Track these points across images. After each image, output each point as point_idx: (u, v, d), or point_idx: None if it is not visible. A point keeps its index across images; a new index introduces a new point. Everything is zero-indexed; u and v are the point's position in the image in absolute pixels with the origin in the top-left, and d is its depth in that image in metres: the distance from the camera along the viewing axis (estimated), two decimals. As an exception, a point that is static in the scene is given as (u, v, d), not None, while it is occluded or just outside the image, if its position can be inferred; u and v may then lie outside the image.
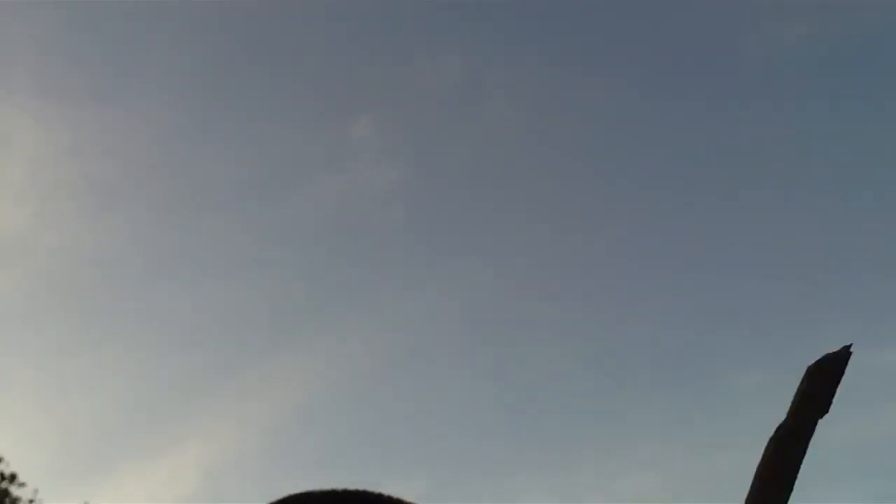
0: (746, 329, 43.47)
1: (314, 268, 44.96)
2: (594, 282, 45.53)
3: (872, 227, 43.43)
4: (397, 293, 42.98)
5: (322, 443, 45.22)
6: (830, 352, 1.07)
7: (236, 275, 43.27)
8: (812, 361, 1.07)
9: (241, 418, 41.83)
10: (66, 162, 40.65)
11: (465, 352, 45.90)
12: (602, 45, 42.56)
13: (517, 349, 45.57)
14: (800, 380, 1.06)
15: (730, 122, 43.29)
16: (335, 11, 40.51)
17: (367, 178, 41.78)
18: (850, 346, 1.04)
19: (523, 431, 46.27)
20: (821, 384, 1.06)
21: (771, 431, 1.07)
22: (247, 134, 43.54)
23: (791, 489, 1.05)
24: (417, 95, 40.43)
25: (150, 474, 40.12)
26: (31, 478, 22.31)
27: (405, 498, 0.75)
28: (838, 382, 1.07)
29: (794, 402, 1.07)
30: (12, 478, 22.08)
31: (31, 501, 21.75)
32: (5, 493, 22.23)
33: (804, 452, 1.06)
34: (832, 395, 1.07)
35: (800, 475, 1.05)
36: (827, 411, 1.07)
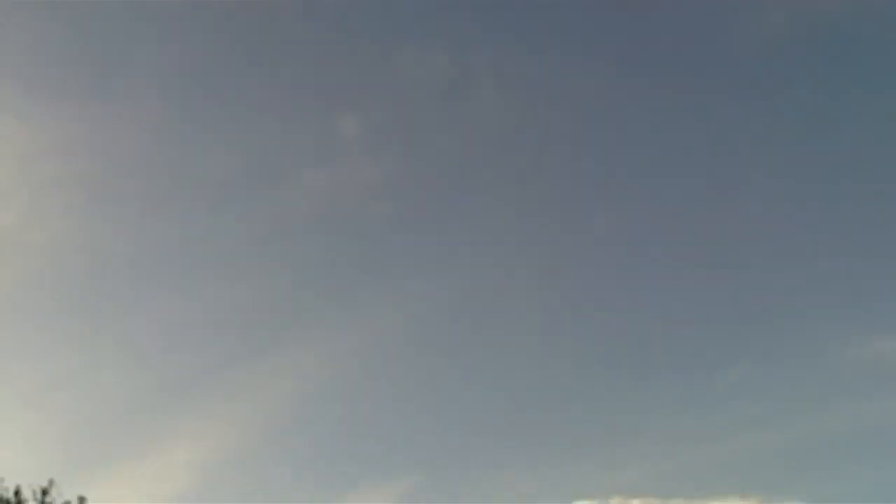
0: (735, 321, 43.54)
1: (302, 265, 44.77)
2: (584, 275, 45.53)
3: (860, 218, 43.49)
4: (386, 288, 42.92)
5: (312, 439, 45.14)
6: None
7: (225, 272, 43.07)
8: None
9: (231, 417, 41.73)
10: (53, 159, 40.26)
11: (456, 346, 45.82)
12: (587, 37, 42.36)
13: (507, 344, 45.46)
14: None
15: (720, 111, 43.08)
16: (319, 7, 40.33)
17: (354, 174, 41.55)
18: None
19: (513, 426, 46.25)
20: None
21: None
22: (234, 131, 43.30)
23: None
24: (404, 90, 40.24)
25: (142, 473, 40.00)
26: (21, 476, 22.65)
27: None
28: None
29: None
30: None
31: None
32: None
33: None
34: None
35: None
36: None
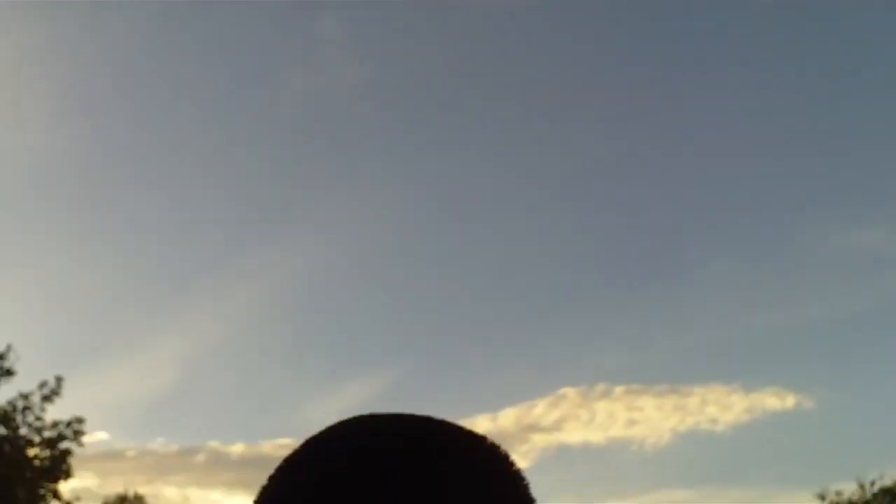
0: (713, 219, 44.02)
1: (284, 164, 44.75)
2: (563, 177, 45.66)
3: (833, 111, 43.52)
4: (368, 186, 43.00)
5: (300, 331, 45.85)
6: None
7: (208, 172, 43.00)
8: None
9: (218, 311, 42.20)
10: (32, 68, 39.76)
11: (439, 242, 46.24)
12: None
13: (490, 243, 45.93)
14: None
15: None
16: None
17: (333, 75, 41.27)
18: None
19: (497, 320, 47.06)
20: None
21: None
22: (211, 33, 42.69)
23: None
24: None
25: (129, 367, 40.65)
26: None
27: (473, 430, 0.76)
28: None
29: None
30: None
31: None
32: None
33: None
34: None
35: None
36: None
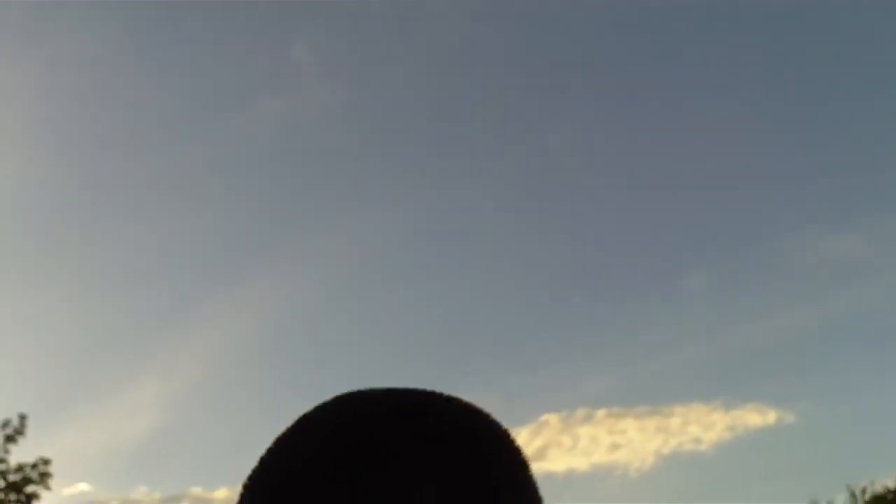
0: (686, 234, 44.02)
1: (261, 194, 44.25)
2: (541, 196, 45.50)
3: (804, 125, 43.88)
4: (346, 216, 42.59)
5: (282, 368, 45.09)
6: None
7: (185, 204, 42.33)
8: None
9: (201, 348, 41.34)
10: (4, 102, 39.09)
11: (418, 271, 45.81)
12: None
13: (468, 267, 45.59)
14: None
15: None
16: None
17: (309, 99, 40.94)
18: None
19: (475, 347, 46.59)
20: None
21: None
22: (186, 59, 42.25)
23: None
24: (355, 9, 39.42)
25: (114, 409, 39.63)
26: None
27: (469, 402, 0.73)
28: None
29: None
30: None
31: None
32: None
33: None
34: None
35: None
36: None
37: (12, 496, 20.98)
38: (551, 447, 38.98)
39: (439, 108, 41.97)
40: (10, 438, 20.84)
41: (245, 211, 42.31)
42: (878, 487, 25.51)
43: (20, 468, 21.09)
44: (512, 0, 39.08)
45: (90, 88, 41.57)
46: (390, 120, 44.08)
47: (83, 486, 36.09)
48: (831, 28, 42.93)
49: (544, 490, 0.72)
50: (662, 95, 43.20)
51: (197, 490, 37.55)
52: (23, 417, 21.11)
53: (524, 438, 39.39)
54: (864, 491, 25.56)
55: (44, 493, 21.39)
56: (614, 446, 38.84)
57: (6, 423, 20.90)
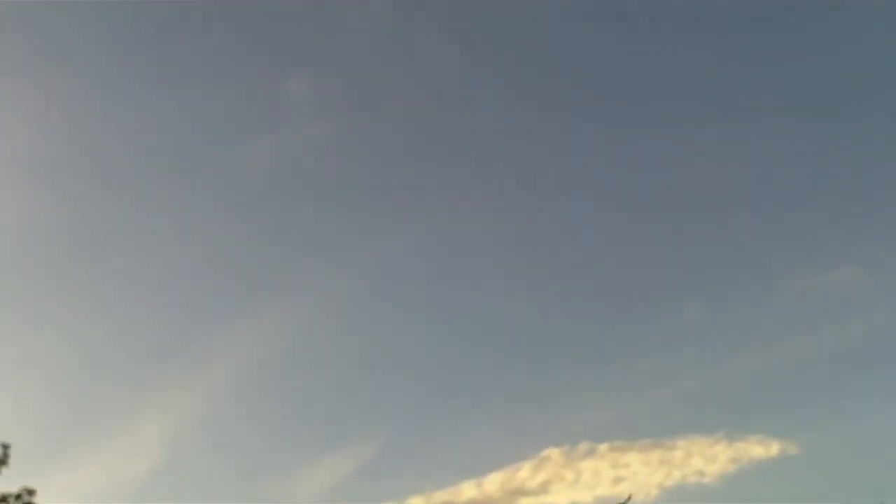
0: (686, 265, 43.71)
1: (257, 231, 44.26)
2: (538, 227, 45.36)
3: (801, 158, 43.63)
4: (341, 251, 42.55)
5: (283, 402, 44.73)
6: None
7: (181, 242, 42.39)
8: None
9: (198, 386, 41.18)
10: (6, 141, 39.33)
11: (416, 304, 45.54)
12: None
13: (466, 300, 45.31)
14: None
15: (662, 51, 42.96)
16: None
17: (304, 135, 40.99)
18: None
19: (477, 381, 46.17)
20: None
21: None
22: (182, 97, 42.50)
23: None
24: (347, 45, 39.60)
25: (112, 449, 39.35)
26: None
27: None
28: None
29: None
30: None
31: None
32: None
33: None
34: None
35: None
36: None
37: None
38: (554, 481, 38.63)
39: (436, 142, 42.02)
40: (-8, 468, 20.76)
41: (238, 248, 42.43)
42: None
43: (4, 498, 20.96)
44: (502, 37, 39.34)
45: (88, 127, 42.00)
46: (384, 153, 44.27)
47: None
48: (817, 71, 43.09)
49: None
50: (659, 138, 43.36)
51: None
52: (6, 447, 21.05)
53: (527, 472, 38.97)
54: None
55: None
56: (618, 479, 38.49)
57: None
